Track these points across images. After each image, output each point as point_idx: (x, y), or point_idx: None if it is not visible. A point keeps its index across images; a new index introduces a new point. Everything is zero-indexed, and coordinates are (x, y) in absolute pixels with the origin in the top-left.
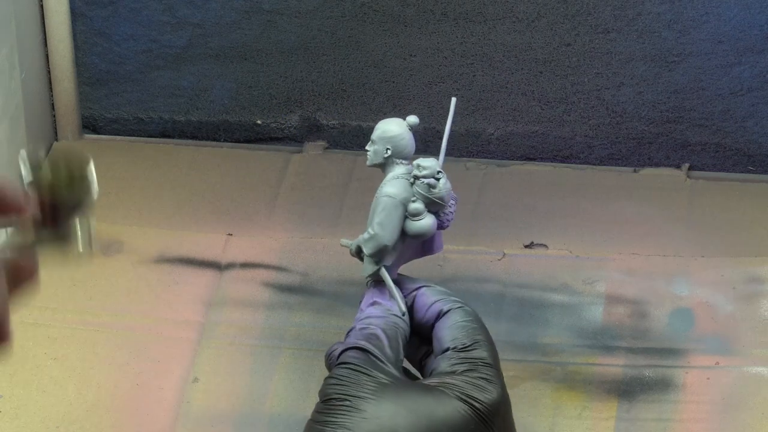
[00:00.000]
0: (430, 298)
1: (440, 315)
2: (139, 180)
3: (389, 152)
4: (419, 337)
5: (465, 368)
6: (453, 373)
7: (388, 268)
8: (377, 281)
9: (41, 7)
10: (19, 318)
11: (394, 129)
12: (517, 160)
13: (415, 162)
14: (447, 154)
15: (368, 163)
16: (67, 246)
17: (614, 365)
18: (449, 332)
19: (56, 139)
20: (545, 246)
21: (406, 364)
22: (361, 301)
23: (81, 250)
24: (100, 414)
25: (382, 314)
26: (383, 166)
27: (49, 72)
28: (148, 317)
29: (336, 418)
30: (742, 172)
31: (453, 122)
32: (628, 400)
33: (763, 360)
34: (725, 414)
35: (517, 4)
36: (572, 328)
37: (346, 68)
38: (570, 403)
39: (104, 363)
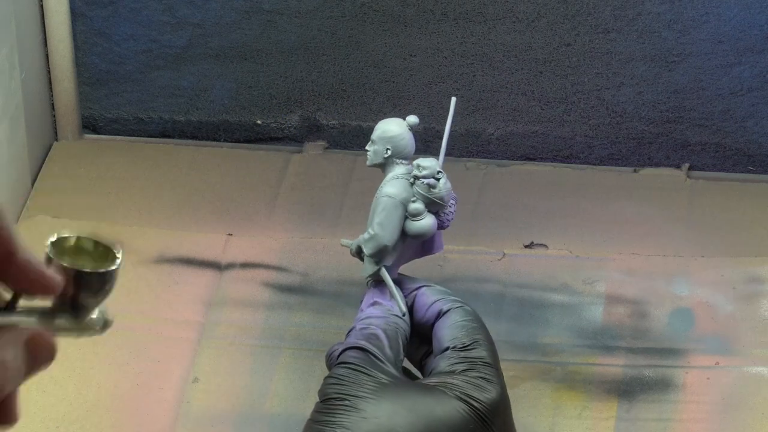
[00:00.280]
0: (430, 298)
1: (440, 314)
2: (139, 180)
3: (389, 152)
4: (419, 337)
5: (464, 368)
6: (452, 372)
7: (388, 268)
8: (377, 281)
9: (41, 7)
10: None
11: (394, 129)
12: (517, 160)
13: (415, 162)
14: (447, 154)
15: (368, 163)
16: (83, 327)
17: (614, 365)
18: (449, 332)
19: (56, 139)
20: (545, 246)
21: (406, 364)
22: (361, 301)
23: (96, 330)
24: (100, 414)
25: (382, 314)
26: (383, 166)
27: (49, 72)
28: (148, 317)
29: (335, 417)
30: (742, 172)
31: (453, 122)
32: (628, 400)
33: (763, 360)
34: (725, 414)
35: (517, 4)
36: (572, 328)
37: (346, 68)
38: (570, 403)
39: (104, 363)
